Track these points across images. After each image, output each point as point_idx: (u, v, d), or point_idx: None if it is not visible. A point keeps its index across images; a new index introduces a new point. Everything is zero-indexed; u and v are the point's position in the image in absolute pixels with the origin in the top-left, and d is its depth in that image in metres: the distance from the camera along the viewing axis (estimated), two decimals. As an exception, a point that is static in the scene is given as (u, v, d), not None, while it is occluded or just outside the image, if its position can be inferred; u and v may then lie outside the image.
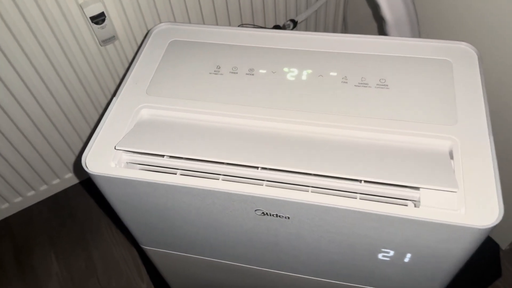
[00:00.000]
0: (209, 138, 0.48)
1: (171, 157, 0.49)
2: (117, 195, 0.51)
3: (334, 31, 1.16)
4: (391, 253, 0.48)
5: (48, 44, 0.77)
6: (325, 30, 1.14)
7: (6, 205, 1.03)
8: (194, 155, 0.46)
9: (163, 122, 0.51)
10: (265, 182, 0.46)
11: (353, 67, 0.54)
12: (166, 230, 0.57)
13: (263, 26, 0.99)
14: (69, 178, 1.08)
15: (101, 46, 0.83)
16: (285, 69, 0.54)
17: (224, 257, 0.62)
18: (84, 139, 1.00)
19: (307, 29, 1.09)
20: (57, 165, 1.01)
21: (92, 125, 0.98)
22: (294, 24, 0.98)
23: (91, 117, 0.96)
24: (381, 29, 0.76)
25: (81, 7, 0.75)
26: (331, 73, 0.53)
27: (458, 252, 0.45)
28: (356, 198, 0.44)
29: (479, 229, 0.40)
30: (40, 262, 1.02)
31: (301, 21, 1.02)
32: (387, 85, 0.51)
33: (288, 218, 0.47)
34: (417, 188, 0.44)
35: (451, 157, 0.45)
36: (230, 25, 0.95)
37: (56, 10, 0.73)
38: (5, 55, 0.74)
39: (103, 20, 0.77)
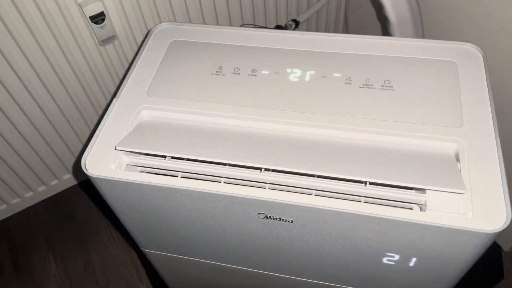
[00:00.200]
0: (210, 140, 0.48)
1: (172, 158, 0.48)
2: (117, 197, 0.50)
3: (335, 31, 1.15)
4: (396, 257, 0.47)
5: (47, 44, 0.76)
6: (326, 29, 1.13)
7: (3, 206, 1.03)
8: (195, 155, 0.45)
9: (164, 123, 0.50)
10: (267, 185, 0.46)
11: (357, 68, 0.53)
12: (167, 233, 0.56)
13: (264, 26, 0.99)
14: (68, 179, 1.07)
15: (101, 46, 0.82)
16: (288, 70, 0.53)
17: (226, 260, 0.61)
18: (83, 139, 0.99)
19: (308, 29, 1.09)
20: (55, 166, 1.00)
21: (91, 126, 0.98)
22: (296, 24, 0.97)
23: (90, 117, 0.95)
24: (384, 29, 0.75)
25: (80, 6, 0.74)
26: (335, 74, 0.52)
27: (464, 256, 0.44)
28: (360, 202, 0.43)
29: (487, 233, 0.39)
30: (38, 264, 1.01)
31: (303, 21, 1.01)
32: (391, 86, 0.51)
33: (292, 221, 0.46)
34: (423, 192, 0.43)
35: (457, 160, 0.45)
36: (231, 24, 0.94)
37: (54, 9, 0.72)
38: (3, 55, 0.74)
39: (103, 20, 0.76)
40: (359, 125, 0.47)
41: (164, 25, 0.61)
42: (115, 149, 0.47)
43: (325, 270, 0.55)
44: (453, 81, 0.51)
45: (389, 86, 0.51)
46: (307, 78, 0.52)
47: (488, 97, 0.49)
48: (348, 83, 0.51)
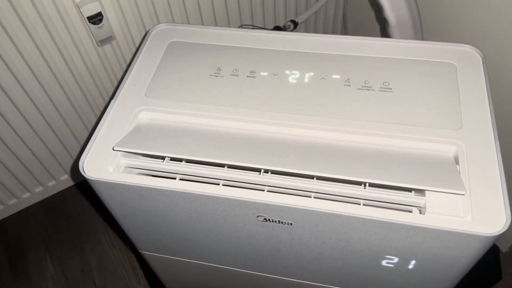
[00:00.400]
0: (209, 141, 0.47)
1: (171, 160, 0.48)
2: (115, 200, 0.50)
3: (334, 32, 1.15)
4: (395, 259, 0.47)
5: (44, 44, 0.76)
6: (325, 31, 1.13)
7: (0, 207, 1.02)
8: (193, 156, 0.45)
9: (162, 125, 0.50)
10: (266, 188, 0.45)
11: (356, 69, 0.53)
12: (165, 236, 0.56)
13: (263, 26, 0.98)
14: (65, 180, 1.06)
15: (98, 46, 0.82)
16: (287, 72, 0.53)
17: (225, 263, 0.61)
18: (81, 140, 0.99)
19: (306, 30, 1.09)
20: (53, 167, 1.00)
21: (89, 126, 0.97)
22: (294, 25, 0.97)
23: (88, 118, 0.95)
24: (383, 31, 0.75)
25: (78, 6, 0.74)
26: (334, 76, 0.52)
27: (463, 259, 0.44)
28: (359, 204, 0.43)
29: (486, 236, 0.39)
30: (35, 266, 1.00)
31: (302, 22, 1.01)
32: (391, 88, 0.50)
33: (291, 224, 0.46)
34: (422, 194, 0.43)
35: (457, 162, 0.45)
36: (229, 25, 0.94)
37: (52, 10, 0.72)
38: (0, 56, 0.73)
39: (100, 20, 0.76)
40: (358, 127, 0.47)
41: (162, 26, 0.61)
42: (113, 149, 0.47)
43: (324, 272, 0.55)
44: (452, 83, 0.51)
45: (388, 88, 0.50)
46: (306, 80, 0.52)
47: (487, 99, 0.49)
48: (347, 85, 0.51)
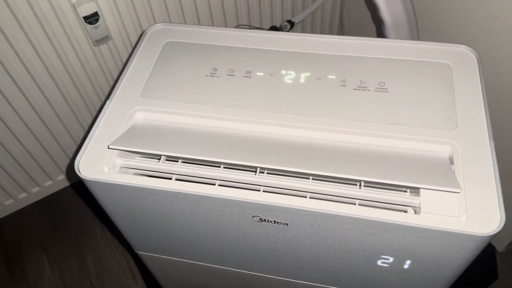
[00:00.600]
0: (205, 141, 0.47)
1: (166, 160, 0.48)
2: (111, 200, 0.50)
3: (331, 32, 1.15)
4: (391, 259, 0.47)
5: (40, 44, 0.76)
6: (322, 31, 1.13)
7: (-3, 207, 1.02)
8: (188, 154, 0.45)
9: (158, 125, 0.50)
10: (262, 188, 0.45)
11: (351, 70, 0.53)
12: (161, 236, 0.56)
13: (259, 26, 0.98)
14: (62, 180, 1.06)
15: (95, 46, 0.81)
16: (283, 72, 0.53)
17: (220, 262, 0.61)
18: (77, 140, 0.99)
19: (303, 30, 1.09)
20: (49, 167, 1.00)
21: (85, 126, 0.97)
22: (291, 25, 0.97)
23: (84, 118, 0.95)
24: (379, 31, 0.75)
25: (74, 6, 0.73)
26: (330, 76, 0.52)
27: (458, 258, 0.44)
28: (355, 205, 0.43)
29: (481, 236, 0.39)
30: (31, 266, 1.00)
31: (298, 22, 1.01)
32: (386, 89, 0.51)
33: (286, 224, 0.46)
34: (417, 194, 0.43)
35: (452, 163, 0.45)
36: (226, 25, 0.94)
37: (48, 10, 0.72)
38: (-5, 56, 0.73)
39: (97, 20, 0.76)
40: (353, 127, 0.47)
41: (158, 26, 0.61)
42: (108, 147, 0.47)
43: (320, 272, 0.55)
44: (448, 83, 0.51)
45: (383, 89, 0.51)
46: (301, 80, 0.52)
47: (482, 99, 0.49)
48: (342, 85, 0.51)
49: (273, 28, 0.98)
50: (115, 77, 0.90)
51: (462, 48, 0.54)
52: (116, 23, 0.80)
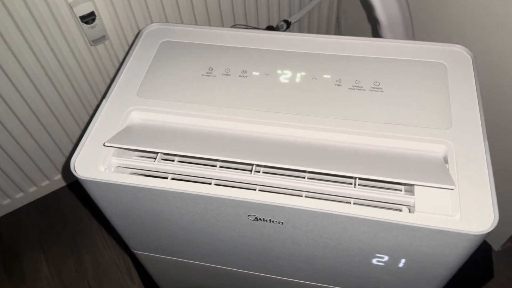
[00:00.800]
0: (200, 139, 0.48)
1: (162, 159, 0.48)
2: (107, 199, 0.50)
3: (327, 32, 1.15)
4: (385, 258, 0.47)
5: (37, 44, 0.76)
6: (318, 31, 1.13)
7: (-6, 207, 1.02)
8: (184, 151, 0.45)
9: (154, 124, 0.50)
10: (258, 187, 0.46)
11: (347, 69, 0.53)
12: (157, 235, 0.56)
13: (256, 26, 0.99)
14: (59, 180, 1.06)
15: (91, 46, 0.81)
16: (279, 71, 0.53)
17: (217, 262, 0.61)
18: (74, 140, 0.99)
19: (300, 30, 1.09)
20: (46, 166, 1.00)
21: (82, 126, 0.97)
22: (287, 25, 0.97)
23: (81, 117, 0.95)
24: (375, 31, 0.75)
25: (70, 6, 0.73)
26: (325, 76, 0.53)
27: (453, 257, 0.44)
28: (350, 204, 0.43)
29: (475, 235, 0.40)
30: (29, 266, 1.00)
31: (295, 22, 1.01)
32: (381, 88, 0.51)
33: (282, 223, 0.46)
34: (412, 193, 0.43)
35: (446, 162, 0.45)
36: (223, 25, 0.94)
37: (44, 9, 0.72)
38: (-8, 55, 0.73)
39: (93, 20, 0.76)
40: (348, 126, 0.47)
41: (155, 26, 0.61)
42: (104, 145, 0.47)
43: (316, 270, 0.55)
44: (442, 82, 0.51)
45: (378, 88, 0.51)
46: (297, 80, 0.52)
47: (477, 99, 0.49)
48: (338, 85, 0.51)
49: (270, 28, 0.98)
50: (111, 76, 0.90)
51: (457, 48, 0.55)
52: (112, 22, 0.80)
